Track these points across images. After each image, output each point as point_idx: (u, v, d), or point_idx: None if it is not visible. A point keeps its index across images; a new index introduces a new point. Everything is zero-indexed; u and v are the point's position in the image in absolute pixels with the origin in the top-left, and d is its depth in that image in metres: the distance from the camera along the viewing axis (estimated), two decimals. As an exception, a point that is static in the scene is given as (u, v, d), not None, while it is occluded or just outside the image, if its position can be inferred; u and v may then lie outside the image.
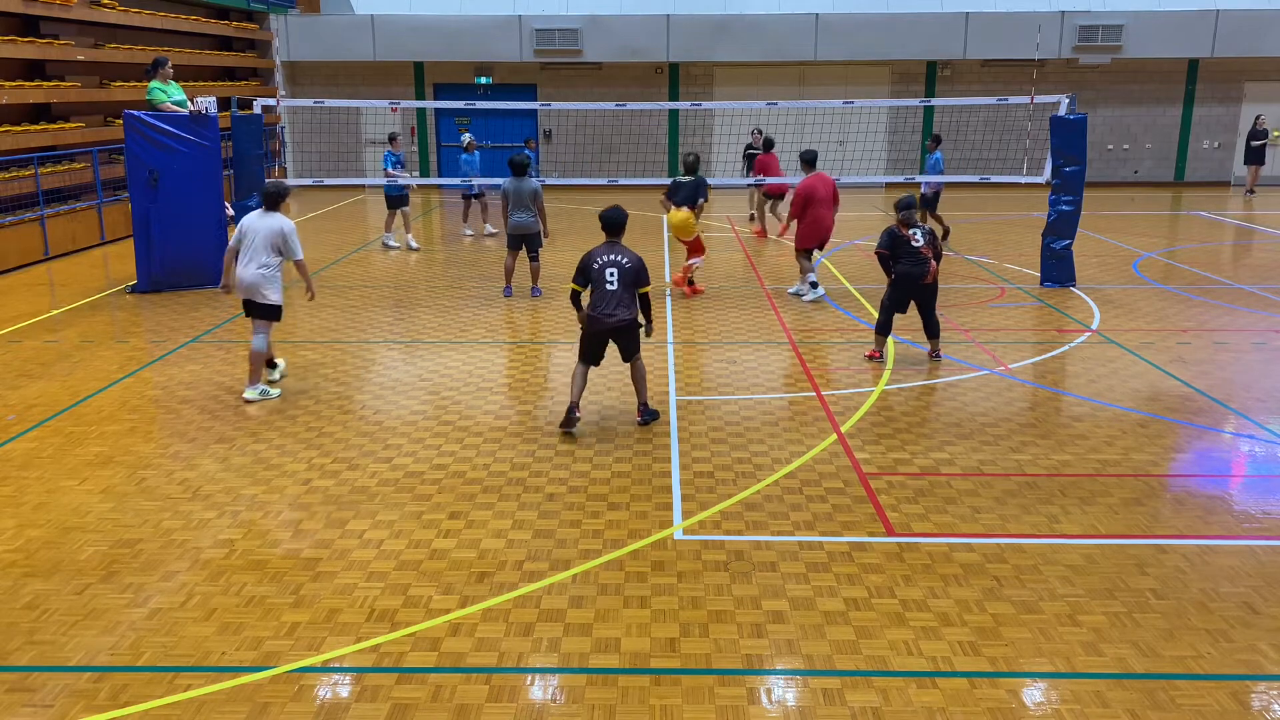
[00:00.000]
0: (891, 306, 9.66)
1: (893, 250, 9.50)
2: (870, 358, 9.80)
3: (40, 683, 4.62)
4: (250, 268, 8.56)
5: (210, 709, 4.43)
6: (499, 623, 5.12)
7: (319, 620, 5.14)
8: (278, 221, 8.57)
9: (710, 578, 5.57)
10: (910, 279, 9.44)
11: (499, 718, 4.39)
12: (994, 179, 14.32)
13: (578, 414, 7.79)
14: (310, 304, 12.62)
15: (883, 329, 9.80)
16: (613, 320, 7.71)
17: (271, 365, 9.15)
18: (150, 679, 4.64)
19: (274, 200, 8.60)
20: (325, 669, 4.75)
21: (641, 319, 7.91)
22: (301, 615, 5.19)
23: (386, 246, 16.62)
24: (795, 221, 12.45)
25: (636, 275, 7.74)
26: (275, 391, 8.80)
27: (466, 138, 17.57)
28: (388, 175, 16.05)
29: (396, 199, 16.38)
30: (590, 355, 7.88)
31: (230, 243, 8.69)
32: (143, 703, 4.46)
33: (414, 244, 16.43)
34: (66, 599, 5.34)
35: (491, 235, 17.68)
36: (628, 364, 7.99)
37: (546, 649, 4.90)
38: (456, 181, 19.14)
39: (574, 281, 7.85)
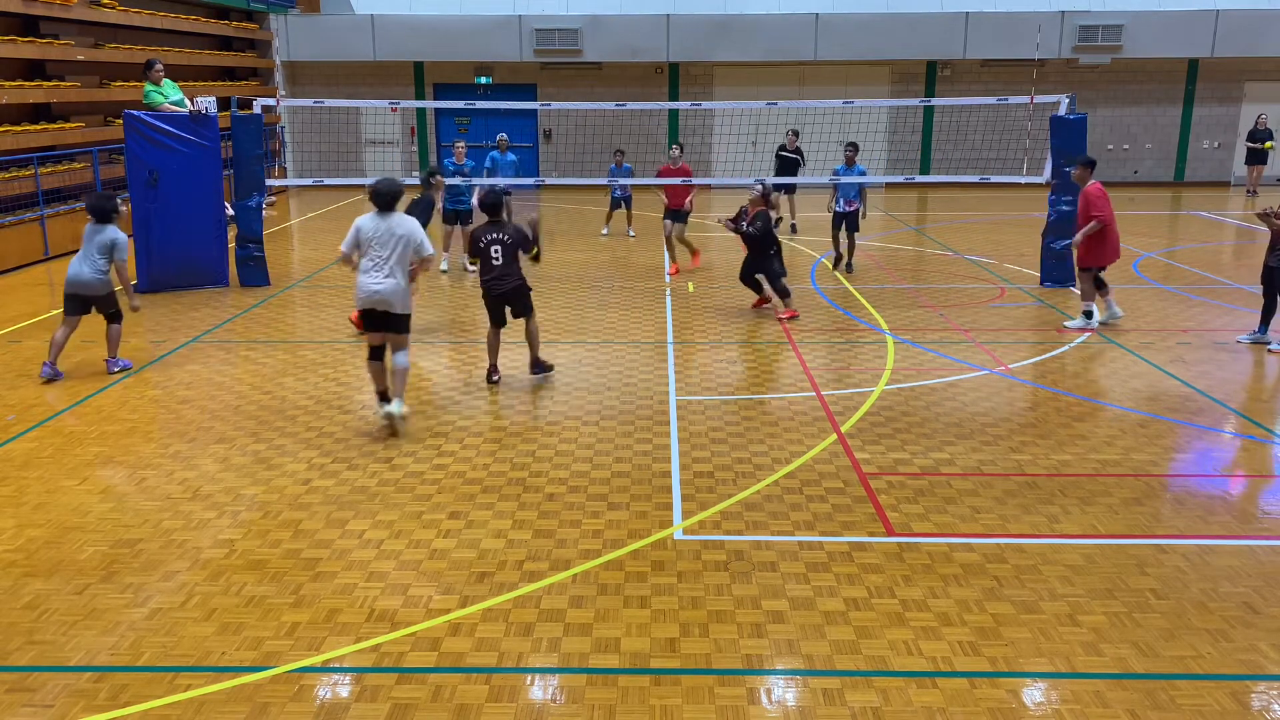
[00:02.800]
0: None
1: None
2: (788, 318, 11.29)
3: (40, 683, 4.62)
4: (388, 279, 7.79)
5: (210, 709, 4.43)
6: (499, 623, 5.12)
7: (319, 620, 5.14)
8: (408, 224, 7.84)
9: (710, 578, 5.57)
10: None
11: (499, 718, 4.39)
12: (994, 179, 14.29)
13: (496, 376, 9.15)
14: (310, 304, 12.63)
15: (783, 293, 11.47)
16: (501, 287, 8.94)
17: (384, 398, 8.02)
18: (150, 679, 4.64)
19: (390, 201, 7.84)
20: (325, 669, 4.75)
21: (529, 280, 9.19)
22: (301, 615, 5.19)
23: (463, 269, 14.49)
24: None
25: (518, 247, 8.93)
26: (398, 408, 7.91)
27: (501, 136, 17.50)
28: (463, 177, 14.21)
29: (455, 214, 14.28)
30: (495, 318, 9.13)
31: (343, 250, 7.93)
32: (143, 703, 4.46)
33: (470, 266, 14.18)
34: (66, 599, 5.34)
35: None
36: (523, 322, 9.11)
37: (546, 649, 4.90)
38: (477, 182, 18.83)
39: (469, 254, 9.47)
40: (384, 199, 7.79)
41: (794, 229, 17.80)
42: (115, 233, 9.24)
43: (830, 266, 14.62)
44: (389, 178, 8.04)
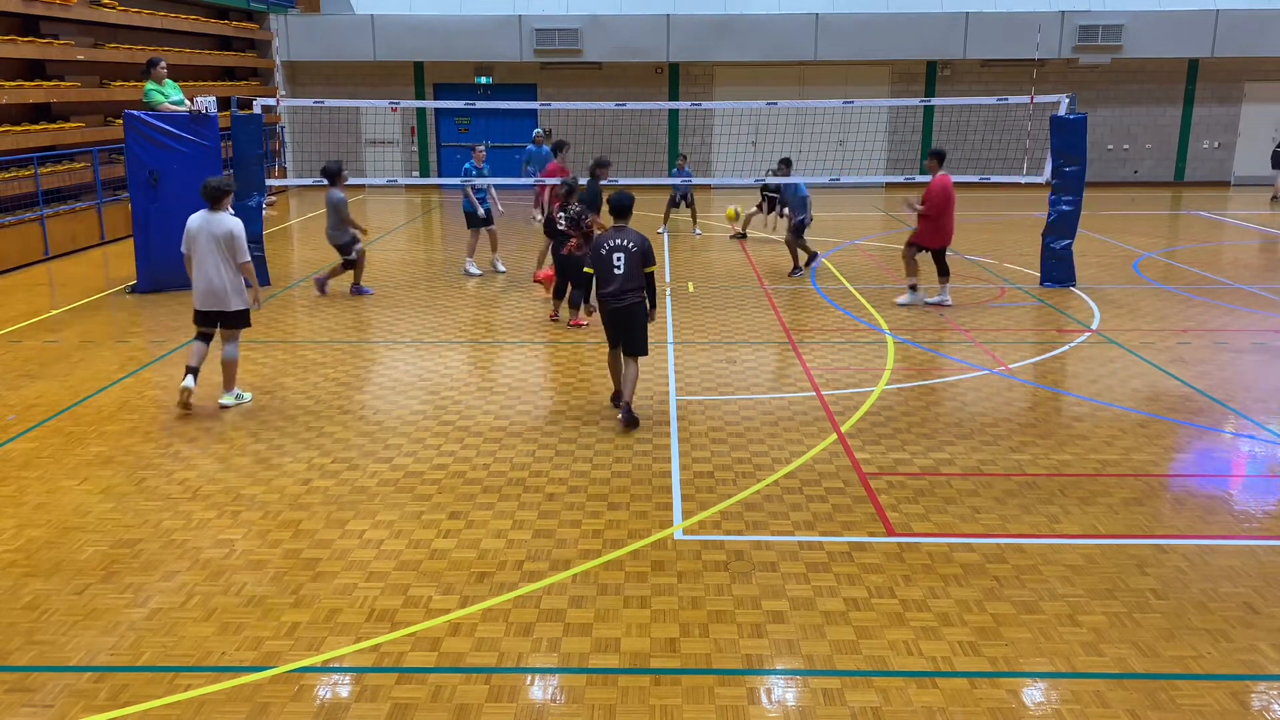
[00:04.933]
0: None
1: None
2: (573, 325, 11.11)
3: (40, 683, 4.62)
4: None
5: (210, 709, 4.43)
6: (499, 623, 5.12)
7: (319, 620, 5.14)
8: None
9: (710, 578, 5.57)
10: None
11: (499, 718, 4.39)
12: (994, 179, 14.28)
13: (622, 401, 8.03)
14: (310, 304, 12.64)
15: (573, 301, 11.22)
16: (620, 303, 7.89)
17: None
18: (150, 679, 4.64)
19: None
20: (325, 669, 4.75)
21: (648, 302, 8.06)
22: (301, 615, 5.19)
23: (468, 274, 14.24)
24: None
25: (643, 257, 7.91)
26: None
27: (538, 131, 17.50)
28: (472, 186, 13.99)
29: (477, 218, 14.04)
30: (614, 339, 8.10)
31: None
32: (143, 703, 4.46)
33: (500, 266, 14.39)
34: (66, 599, 5.34)
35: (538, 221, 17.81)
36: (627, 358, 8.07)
37: (546, 649, 4.90)
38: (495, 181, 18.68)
39: (586, 267, 8.40)
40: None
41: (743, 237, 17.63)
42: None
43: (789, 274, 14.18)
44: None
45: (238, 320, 8.31)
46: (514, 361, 9.87)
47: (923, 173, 24.87)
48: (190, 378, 8.24)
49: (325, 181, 12.79)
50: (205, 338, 8.37)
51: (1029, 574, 5.62)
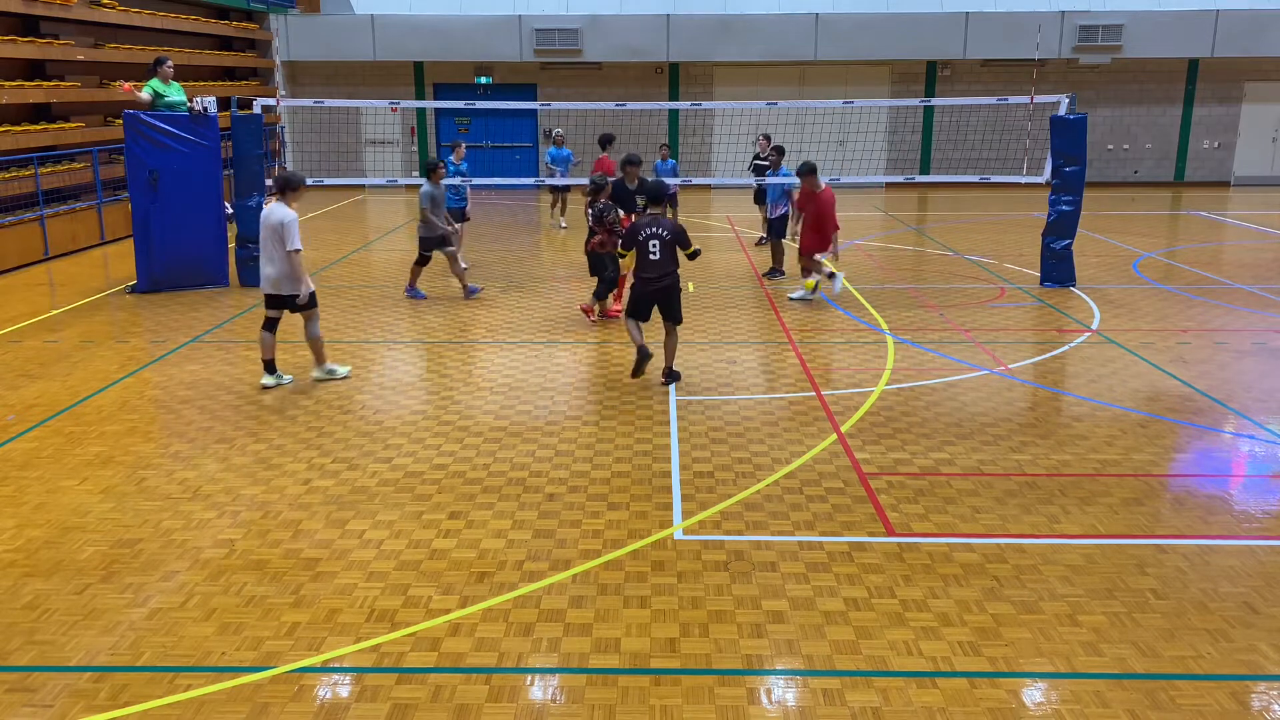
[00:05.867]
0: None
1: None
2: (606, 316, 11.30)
3: (40, 683, 4.62)
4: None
5: (210, 709, 4.43)
6: (499, 623, 5.12)
7: (319, 620, 5.14)
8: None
9: (710, 578, 5.57)
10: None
11: (499, 718, 4.39)
12: (994, 179, 14.28)
13: (650, 351, 8.95)
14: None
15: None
16: (656, 285, 8.74)
17: None
18: (150, 679, 4.64)
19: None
20: (325, 669, 4.75)
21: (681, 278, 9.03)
22: (301, 615, 5.19)
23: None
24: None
25: (676, 242, 8.78)
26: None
27: (557, 132, 17.50)
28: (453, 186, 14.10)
29: (455, 213, 14.06)
30: (639, 313, 8.99)
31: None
32: (143, 703, 4.46)
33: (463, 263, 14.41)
34: (66, 599, 5.34)
35: (564, 229, 17.94)
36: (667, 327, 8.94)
37: (546, 649, 4.90)
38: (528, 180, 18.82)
39: (621, 248, 9.09)
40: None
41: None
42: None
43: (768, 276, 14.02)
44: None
45: (299, 304, 8.83)
46: (514, 361, 9.87)
47: (923, 172, 25.06)
48: (267, 375, 9.00)
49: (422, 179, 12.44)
50: (271, 325, 8.95)
51: (1029, 574, 5.62)
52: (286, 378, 9.12)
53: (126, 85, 12.81)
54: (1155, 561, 5.77)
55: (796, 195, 13.02)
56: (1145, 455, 7.39)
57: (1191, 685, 4.61)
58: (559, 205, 18.72)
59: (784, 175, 14.00)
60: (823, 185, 12.25)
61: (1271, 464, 7.36)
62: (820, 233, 12.28)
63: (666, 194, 9.01)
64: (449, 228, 12.55)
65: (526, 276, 13.94)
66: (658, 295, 8.80)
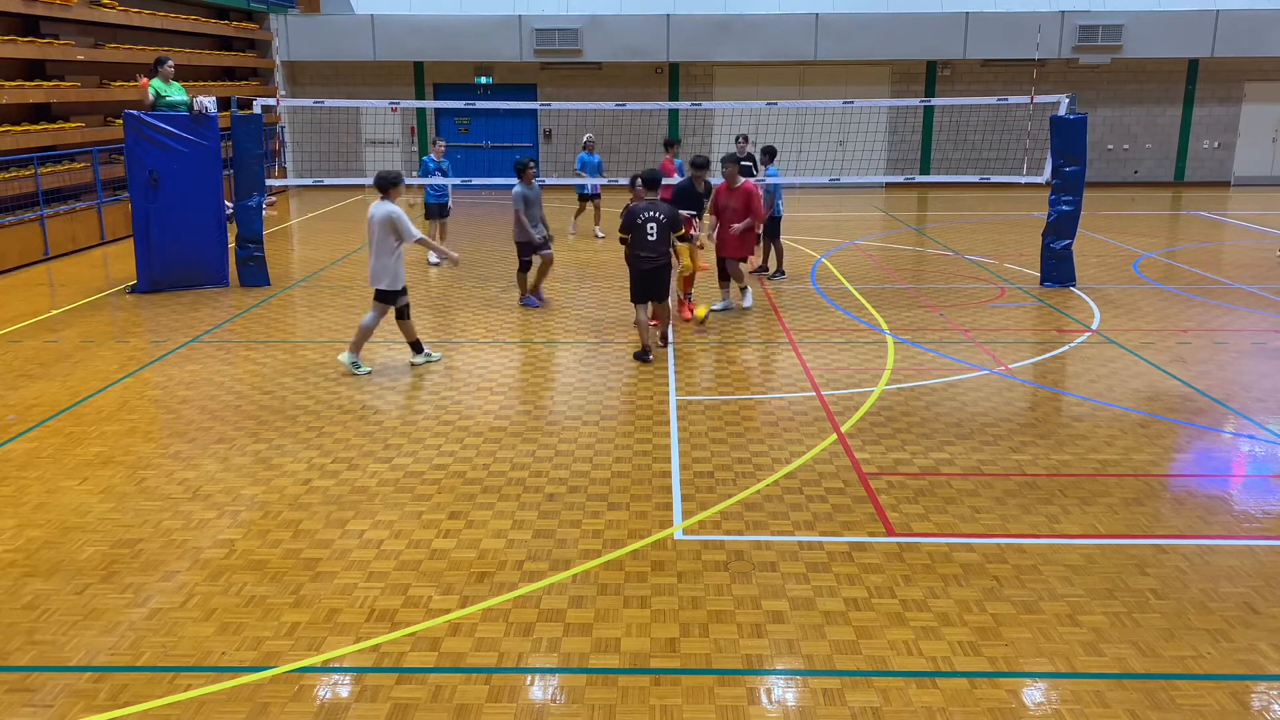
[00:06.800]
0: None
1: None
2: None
3: (40, 683, 4.62)
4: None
5: (210, 709, 4.43)
6: (499, 623, 5.12)
7: (319, 620, 5.14)
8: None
9: (710, 578, 5.57)
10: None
11: (499, 718, 4.39)
12: (994, 179, 14.28)
13: (650, 356, 9.73)
14: (310, 304, 12.64)
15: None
16: (652, 263, 9.62)
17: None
18: (150, 679, 4.64)
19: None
20: (325, 669, 4.75)
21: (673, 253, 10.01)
22: (301, 615, 5.19)
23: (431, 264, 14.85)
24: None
25: (671, 225, 9.69)
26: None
27: (589, 138, 17.32)
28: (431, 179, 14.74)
29: (435, 208, 15.04)
30: (640, 294, 9.74)
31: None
32: (143, 703, 4.46)
33: (433, 259, 14.72)
34: (66, 599, 5.34)
35: (600, 239, 17.34)
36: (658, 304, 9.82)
37: (546, 649, 4.90)
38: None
39: (620, 232, 9.71)
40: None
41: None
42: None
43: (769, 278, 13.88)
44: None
45: (383, 297, 9.37)
46: (514, 361, 9.87)
47: (923, 172, 25.05)
48: (415, 355, 9.73)
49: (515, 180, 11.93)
50: (400, 313, 9.55)
51: (1029, 574, 5.62)
52: (436, 354, 9.84)
53: (144, 80, 12.82)
54: (1155, 561, 5.77)
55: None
56: (1145, 455, 7.39)
57: (1191, 685, 4.61)
58: (583, 213, 17.89)
59: (770, 175, 13.63)
60: (742, 180, 11.58)
61: (1271, 464, 7.36)
62: (744, 235, 11.53)
63: (660, 181, 9.75)
64: (544, 233, 11.91)
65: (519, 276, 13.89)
66: (652, 274, 9.65)
